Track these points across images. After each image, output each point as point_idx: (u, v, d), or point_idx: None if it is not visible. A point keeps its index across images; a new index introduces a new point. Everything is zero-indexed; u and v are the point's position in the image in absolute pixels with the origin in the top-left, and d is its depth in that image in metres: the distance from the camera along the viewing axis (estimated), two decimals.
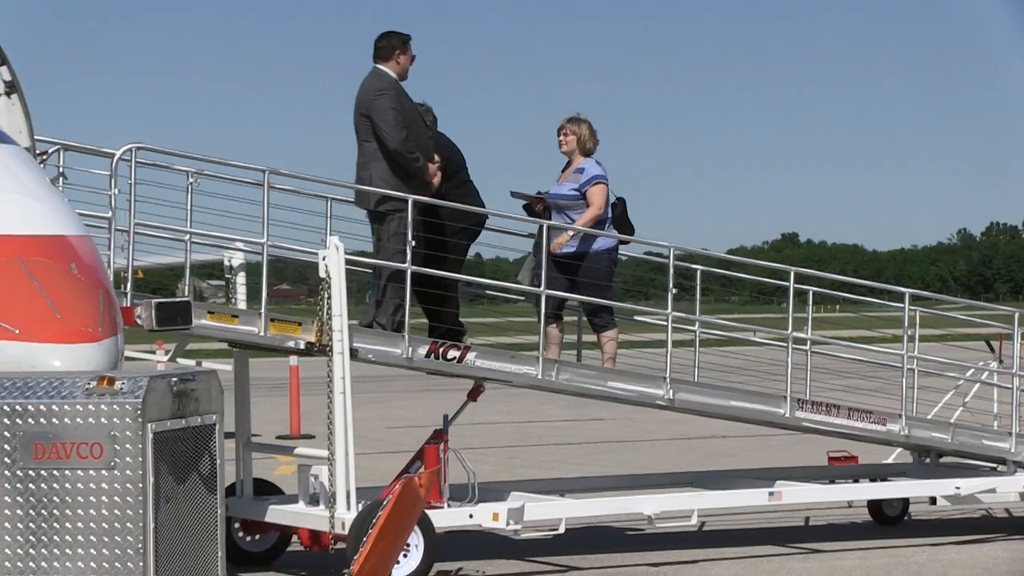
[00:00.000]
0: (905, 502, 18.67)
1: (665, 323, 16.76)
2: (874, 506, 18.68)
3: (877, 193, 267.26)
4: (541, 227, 16.44)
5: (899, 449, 18.82)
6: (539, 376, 16.18)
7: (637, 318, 17.96)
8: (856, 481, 18.34)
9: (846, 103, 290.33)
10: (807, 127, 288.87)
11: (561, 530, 15.87)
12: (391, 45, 16.11)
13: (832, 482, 18.20)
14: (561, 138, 17.14)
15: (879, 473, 18.67)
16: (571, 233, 16.59)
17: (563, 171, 17.17)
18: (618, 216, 17.09)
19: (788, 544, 17.36)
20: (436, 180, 16.01)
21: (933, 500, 17.92)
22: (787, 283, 17.39)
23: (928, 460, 18.72)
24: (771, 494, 16.96)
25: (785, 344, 17.20)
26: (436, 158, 16.05)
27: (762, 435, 20.21)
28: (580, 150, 17.04)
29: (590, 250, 16.74)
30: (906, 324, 17.96)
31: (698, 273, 17.32)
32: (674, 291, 16.80)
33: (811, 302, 17.65)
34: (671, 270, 16.81)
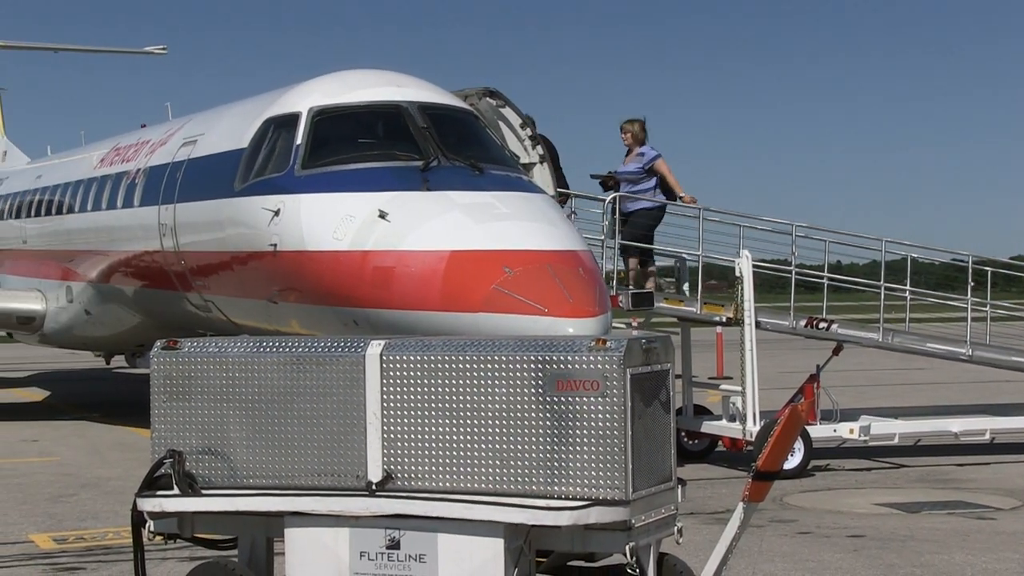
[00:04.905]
0: None
1: (966, 305, 16.21)
2: None
3: None
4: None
5: None
6: (880, 340, 15.77)
7: (947, 302, 17.33)
8: None
9: None
10: None
11: (895, 441, 15.46)
12: None
13: None
14: (623, 136, 16.06)
15: None
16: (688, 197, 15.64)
17: (626, 156, 16.06)
18: (665, 188, 15.88)
19: None
20: None
21: None
22: None
23: None
24: None
25: None
26: None
27: None
28: (636, 141, 15.99)
29: (640, 208, 15.60)
30: None
31: (988, 272, 16.64)
32: (971, 284, 16.25)
33: None
34: (969, 271, 16.27)
